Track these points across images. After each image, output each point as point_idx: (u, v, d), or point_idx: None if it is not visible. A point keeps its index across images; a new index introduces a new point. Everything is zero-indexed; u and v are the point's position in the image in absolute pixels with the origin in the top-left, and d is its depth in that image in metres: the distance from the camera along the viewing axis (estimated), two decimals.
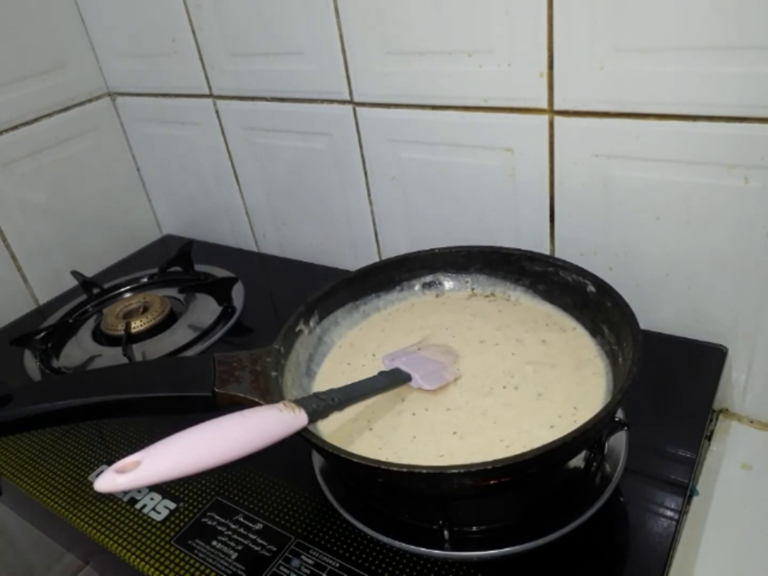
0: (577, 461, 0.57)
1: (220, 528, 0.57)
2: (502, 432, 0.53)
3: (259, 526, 0.57)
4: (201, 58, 0.92)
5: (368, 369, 0.62)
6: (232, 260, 1.04)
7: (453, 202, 0.80)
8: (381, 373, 0.58)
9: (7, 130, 0.96)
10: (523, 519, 0.53)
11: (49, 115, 1.01)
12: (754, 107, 0.56)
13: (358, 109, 0.81)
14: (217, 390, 0.54)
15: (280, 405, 0.47)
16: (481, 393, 0.58)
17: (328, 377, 0.63)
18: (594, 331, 0.61)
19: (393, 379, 0.57)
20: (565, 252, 0.74)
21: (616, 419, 0.56)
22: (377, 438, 0.55)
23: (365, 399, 0.55)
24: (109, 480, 0.38)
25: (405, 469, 0.45)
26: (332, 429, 0.56)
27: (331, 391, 0.52)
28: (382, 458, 0.48)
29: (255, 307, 0.91)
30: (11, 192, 0.98)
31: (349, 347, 0.67)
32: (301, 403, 0.48)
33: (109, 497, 0.62)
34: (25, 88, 0.97)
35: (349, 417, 0.57)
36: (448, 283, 0.71)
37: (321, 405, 0.49)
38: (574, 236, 0.73)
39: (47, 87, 1.00)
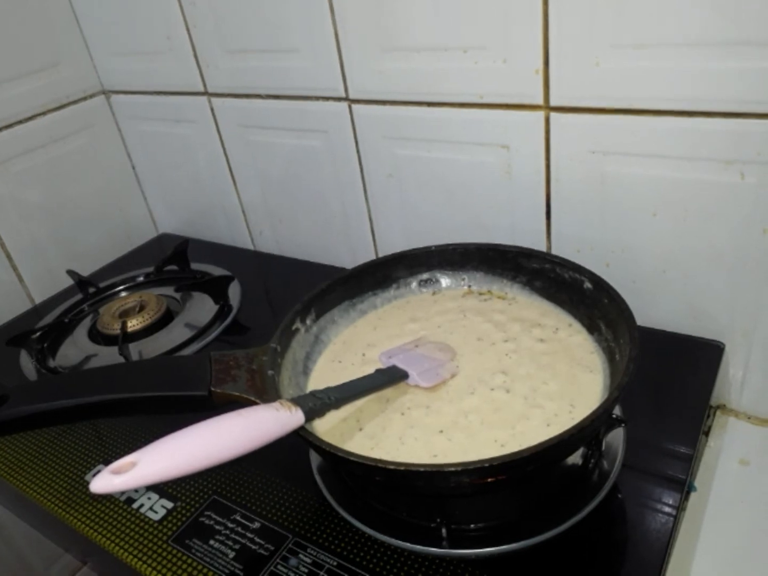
0: (575, 458, 0.57)
1: (217, 527, 0.57)
2: (496, 431, 0.53)
3: (256, 524, 0.57)
4: (196, 56, 0.92)
5: (357, 367, 0.63)
6: (229, 258, 1.04)
7: (449, 199, 0.80)
8: (378, 371, 0.57)
9: (1, 129, 0.96)
10: (521, 516, 0.53)
11: (44, 113, 1.00)
12: (751, 103, 0.56)
13: (353, 106, 0.81)
14: (213, 389, 0.54)
15: (276, 404, 0.47)
16: (469, 393, 0.57)
17: (321, 375, 0.63)
18: (591, 328, 0.61)
19: (390, 377, 0.57)
20: (561, 249, 0.74)
21: (614, 416, 0.56)
22: (368, 438, 0.54)
23: (362, 397, 0.55)
24: (105, 481, 0.38)
25: (402, 468, 0.45)
26: (325, 429, 0.56)
27: (328, 389, 0.52)
28: None
29: (251, 305, 0.91)
30: (6, 191, 0.98)
31: (342, 345, 0.67)
32: (297, 401, 0.48)
33: (106, 497, 0.62)
34: (20, 87, 0.97)
35: (340, 417, 0.56)
36: (444, 281, 0.71)
37: (318, 404, 0.49)
38: (570, 233, 0.73)
39: (41, 85, 0.99)
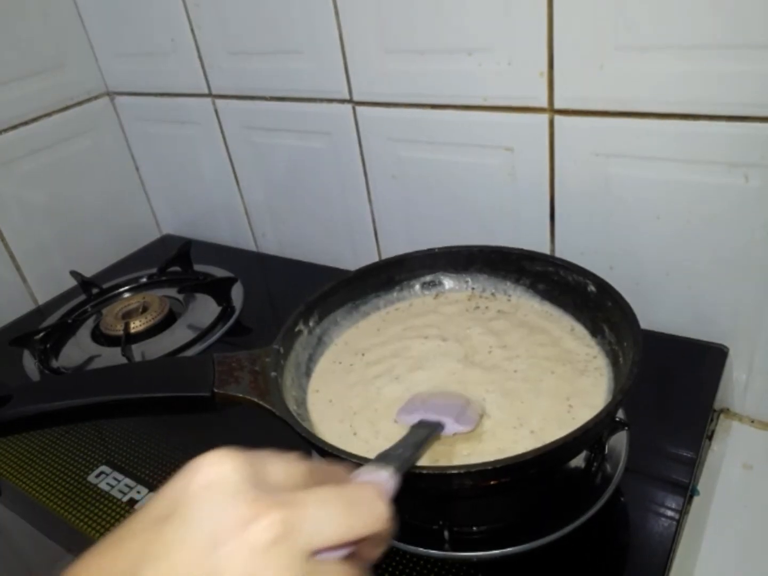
0: (578, 461, 0.57)
1: None
2: (498, 435, 0.52)
3: None
4: (200, 58, 0.92)
5: (356, 368, 0.63)
6: (232, 260, 1.04)
7: (453, 201, 0.80)
8: (413, 429, 0.49)
9: (6, 130, 0.96)
10: (524, 519, 0.53)
11: (48, 114, 1.00)
12: (755, 106, 0.55)
13: (357, 108, 0.81)
14: (216, 390, 0.54)
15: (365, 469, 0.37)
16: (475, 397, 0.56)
17: (322, 375, 0.63)
18: (594, 331, 0.61)
19: (430, 431, 0.49)
20: (565, 251, 0.74)
21: (617, 419, 0.56)
22: (363, 442, 0.54)
23: (424, 452, 0.46)
24: None
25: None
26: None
27: (398, 449, 0.42)
28: None
29: (254, 307, 0.91)
30: (10, 191, 0.98)
31: (344, 345, 0.67)
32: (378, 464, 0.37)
33: (109, 497, 0.62)
34: (24, 88, 0.97)
35: (338, 418, 0.57)
36: (448, 283, 0.71)
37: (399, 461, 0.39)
38: (574, 235, 0.72)
39: (46, 86, 1.00)
